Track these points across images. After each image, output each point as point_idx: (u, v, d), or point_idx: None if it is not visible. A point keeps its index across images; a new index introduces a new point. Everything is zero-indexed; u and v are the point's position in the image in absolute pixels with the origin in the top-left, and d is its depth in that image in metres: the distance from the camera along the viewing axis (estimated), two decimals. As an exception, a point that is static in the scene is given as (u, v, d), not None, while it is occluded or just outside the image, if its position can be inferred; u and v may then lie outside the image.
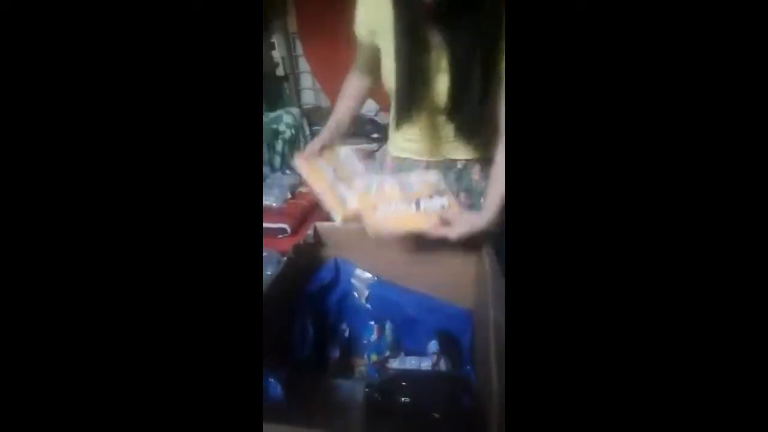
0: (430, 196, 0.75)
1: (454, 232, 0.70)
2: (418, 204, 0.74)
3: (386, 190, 0.76)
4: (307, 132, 1.82)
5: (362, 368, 0.79)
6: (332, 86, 2.10)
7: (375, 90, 0.92)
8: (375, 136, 1.89)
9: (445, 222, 0.72)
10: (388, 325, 0.82)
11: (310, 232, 0.78)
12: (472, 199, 0.93)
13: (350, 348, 0.82)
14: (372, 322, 0.82)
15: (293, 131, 1.69)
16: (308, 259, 0.79)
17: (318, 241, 0.81)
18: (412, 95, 0.77)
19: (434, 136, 0.86)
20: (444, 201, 0.75)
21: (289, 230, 1.03)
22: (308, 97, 2.31)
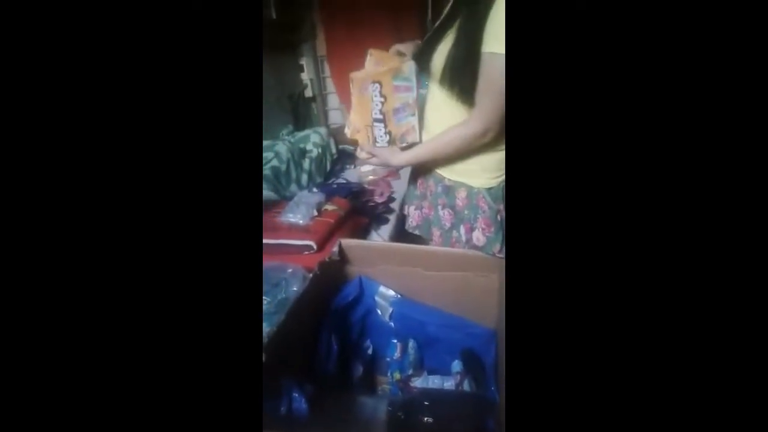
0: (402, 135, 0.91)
1: (371, 159, 0.92)
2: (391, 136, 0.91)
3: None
4: (334, 151, 1.86)
5: (385, 386, 0.79)
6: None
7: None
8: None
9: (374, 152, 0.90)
10: (411, 343, 0.82)
11: (335, 249, 0.80)
12: (455, 219, 0.93)
13: (373, 365, 0.82)
14: (395, 340, 0.83)
15: (320, 150, 1.72)
16: (333, 276, 0.80)
17: (343, 259, 0.82)
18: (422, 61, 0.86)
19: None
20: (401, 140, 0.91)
21: (315, 247, 1.05)
22: (335, 117, 2.36)
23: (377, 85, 0.88)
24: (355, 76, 0.89)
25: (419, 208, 1.04)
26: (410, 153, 0.90)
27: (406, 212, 1.12)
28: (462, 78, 0.78)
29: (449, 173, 0.92)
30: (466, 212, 0.91)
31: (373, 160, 0.93)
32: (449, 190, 0.93)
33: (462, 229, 0.92)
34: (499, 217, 0.89)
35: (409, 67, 0.88)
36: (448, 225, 0.95)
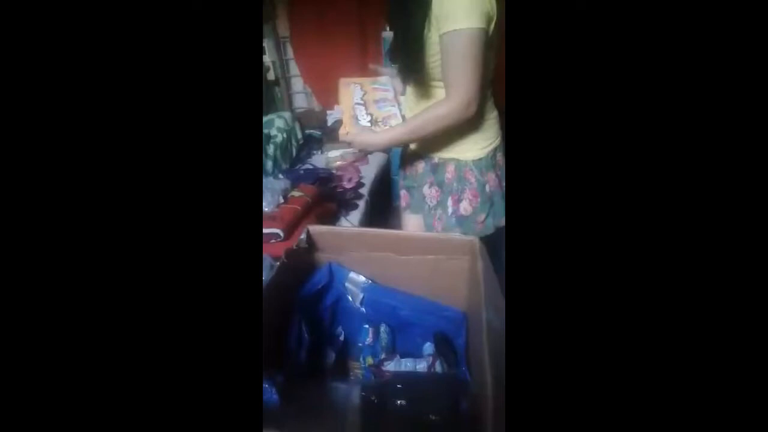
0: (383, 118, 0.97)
1: (353, 141, 0.92)
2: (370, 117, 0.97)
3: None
4: (299, 136, 1.81)
5: (358, 371, 0.79)
6: (323, 90, 2.10)
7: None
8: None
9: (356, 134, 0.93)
10: (383, 328, 0.82)
11: (303, 236, 0.78)
12: (441, 195, 0.99)
13: (345, 351, 0.82)
14: (367, 325, 0.82)
15: (285, 135, 1.68)
16: (302, 263, 0.79)
17: (311, 246, 0.80)
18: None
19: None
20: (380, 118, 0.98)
21: (282, 235, 1.03)
22: (300, 101, 2.30)
23: (358, 85, 1.05)
24: (341, 81, 1.11)
25: (406, 188, 1.11)
26: (390, 133, 0.91)
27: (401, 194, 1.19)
28: (430, 65, 0.82)
29: (438, 151, 0.97)
30: (454, 185, 0.95)
31: (356, 140, 0.92)
32: (437, 167, 0.97)
33: (449, 202, 0.96)
34: (487, 188, 0.94)
35: (386, 78, 1.09)
36: (434, 202, 0.98)
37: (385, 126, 0.93)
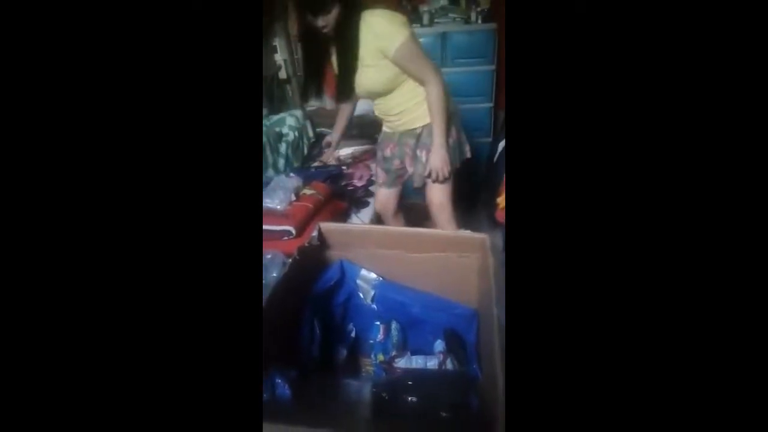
0: None
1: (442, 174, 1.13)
2: None
3: None
4: (311, 134, 1.82)
5: (369, 368, 0.79)
6: (334, 88, 2.11)
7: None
8: (377, 136, 1.90)
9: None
10: (394, 325, 0.82)
11: (314, 233, 0.79)
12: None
13: (357, 348, 0.82)
14: (378, 322, 0.83)
15: (297, 133, 1.69)
16: (313, 260, 0.79)
17: (323, 243, 0.81)
18: None
19: None
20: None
21: (293, 232, 1.03)
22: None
23: None
24: None
25: (383, 168, 1.33)
26: (439, 139, 1.10)
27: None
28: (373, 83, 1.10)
29: (399, 127, 1.20)
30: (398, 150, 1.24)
31: (439, 172, 1.13)
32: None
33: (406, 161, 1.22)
34: (418, 153, 1.17)
35: None
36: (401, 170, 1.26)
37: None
